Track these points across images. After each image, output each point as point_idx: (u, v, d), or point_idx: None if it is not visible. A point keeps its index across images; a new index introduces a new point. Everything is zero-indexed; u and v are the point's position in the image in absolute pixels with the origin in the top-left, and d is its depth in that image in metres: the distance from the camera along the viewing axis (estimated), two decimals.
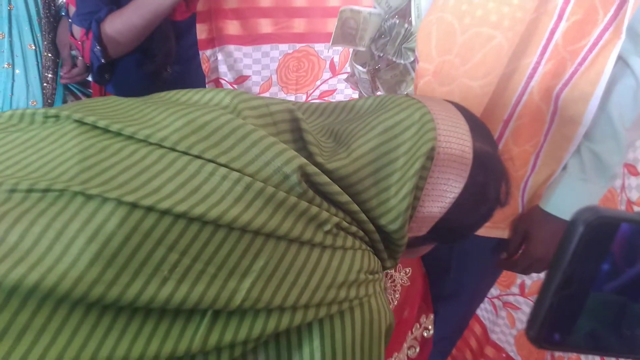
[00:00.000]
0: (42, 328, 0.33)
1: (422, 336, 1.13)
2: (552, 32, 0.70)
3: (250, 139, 0.43)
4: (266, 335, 0.39)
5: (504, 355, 1.30)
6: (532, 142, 0.78)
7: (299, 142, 0.47)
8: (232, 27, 1.20)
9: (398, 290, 1.04)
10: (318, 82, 1.33)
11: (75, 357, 0.33)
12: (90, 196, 0.36)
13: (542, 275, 1.08)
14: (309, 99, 1.35)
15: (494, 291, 1.25)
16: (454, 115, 0.53)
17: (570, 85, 0.73)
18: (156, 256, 0.36)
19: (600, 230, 0.27)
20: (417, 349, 1.11)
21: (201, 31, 1.17)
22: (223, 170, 0.41)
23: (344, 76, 1.32)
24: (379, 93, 0.96)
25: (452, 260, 1.05)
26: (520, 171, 0.81)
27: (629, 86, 0.70)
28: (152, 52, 1.06)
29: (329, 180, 0.45)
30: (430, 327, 1.14)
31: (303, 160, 0.44)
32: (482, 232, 0.88)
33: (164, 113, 0.44)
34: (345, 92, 1.36)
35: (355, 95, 1.37)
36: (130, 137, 0.42)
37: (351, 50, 0.94)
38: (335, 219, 0.45)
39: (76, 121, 0.43)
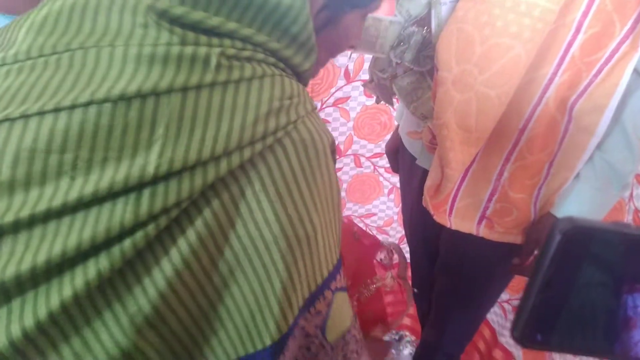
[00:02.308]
0: None
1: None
2: (570, 44, 0.72)
3: (91, 10, 0.41)
4: (197, 192, 0.38)
5: None
6: (546, 151, 0.80)
7: None
8: None
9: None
10: (333, 90, 1.35)
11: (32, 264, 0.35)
12: None
13: None
14: (324, 106, 1.37)
15: (503, 295, 1.26)
16: None
17: (585, 96, 0.75)
18: (52, 164, 0.36)
19: (577, 238, 0.29)
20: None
21: None
22: (80, 52, 0.39)
23: (358, 83, 1.34)
24: (395, 98, 0.98)
25: (463, 264, 1.06)
26: (534, 179, 0.83)
27: None
28: None
29: (187, 8, 0.40)
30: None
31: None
32: (495, 237, 0.90)
33: (15, 30, 0.43)
34: (359, 100, 1.38)
35: (369, 103, 1.39)
36: None
37: (370, 57, 0.96)
38: (217, 50, 0.41)
39: None
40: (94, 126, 0.37)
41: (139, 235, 0.37)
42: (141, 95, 0.38)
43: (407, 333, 1.77)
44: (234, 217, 0.40)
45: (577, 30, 0.71)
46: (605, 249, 0.29)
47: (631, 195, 0.91)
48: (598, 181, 0.77)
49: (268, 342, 0.43)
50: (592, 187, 0.78)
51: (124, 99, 0.37)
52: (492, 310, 1.35)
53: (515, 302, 1.24)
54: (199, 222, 0.39)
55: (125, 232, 0.36)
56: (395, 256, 1.18)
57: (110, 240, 0.36)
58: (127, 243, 0.36)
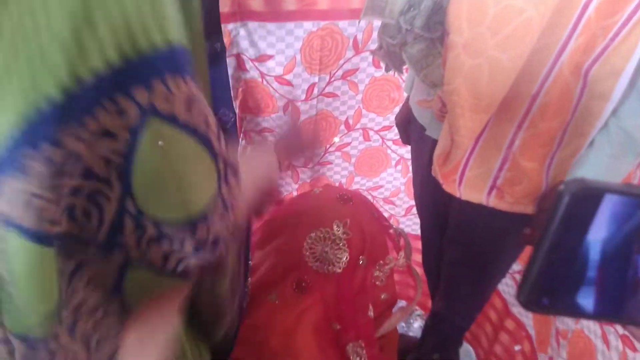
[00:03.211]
0: None
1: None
2: (585, 7, 0.70)
3: None
4: None
5: (523, 333, 1.31)
6: (560, 118, 0.78)
7: None
8: (255, 2, 1.19)
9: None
10: (341, 62, 1.32)
11: None
12: None
13: None
14: (332, 79, 1.35)
15: (515, 266, 1.26)
16: None
17: (601, 60, 0.72)
18: None
19: (586, 199, 0.28)
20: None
21: (224, 4, 1.16)
22: None
23: (367, 54, 1.32)
24: (405, 67, 0.96)
25: (473, 236, 1.05)
26: (546, 147, 0.81)
27: None
28: None
29: None
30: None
31: None
32: (504, 207, 0.89)
33: None
34: (367, 71, 1.35)
35: (378, 75, 1.37)
36: None
37: (379, 23, 0.94)
38: None
39: None
40: None
41: None
42: None
43: (417, 307, 1.79)
44: None
45: None
46: (614, 210, 0.29)
47: (639, 164, 0.90)
48: (612, 149, 0.76)
49: None
50: (606, 155, 0.76)
51: None
52: (503, 281, 1.35)
53: None
54: None
55: None
56: (402, 240, 1.18)
57: None
58: None
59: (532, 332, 1.28)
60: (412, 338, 1.63)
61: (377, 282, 1.08)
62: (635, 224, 0.29)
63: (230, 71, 1.28)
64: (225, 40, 1.20)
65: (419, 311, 1.80)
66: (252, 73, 1.31)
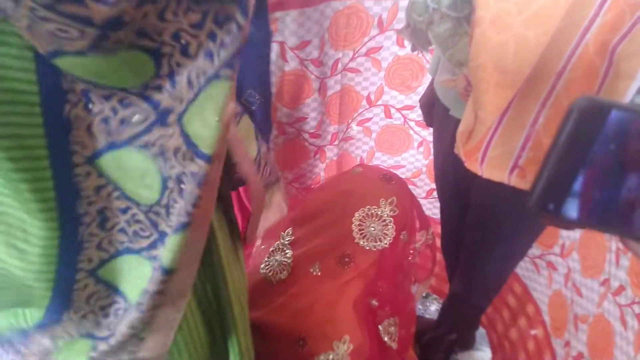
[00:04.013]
0: None
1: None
2: None
3: None
4: None
5: (540, 318, 1.32)
6: None
7: None
8: None
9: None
10: (365, 39, 1.33)
11: None
12: None
13: (577, 233, 1.10)
14: (356, 56, 1.36)
15: (535, 251, 1.27)
16: None
17: (628, 39, 0.72)
18: None
19: (593, 115, 0.31)
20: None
21: None
22: None
23: (391, 33, 1.33)
24: (431, 48, 0.97)
25: (494, 217, 1.06)
26: None
27: None
28: None
29: None
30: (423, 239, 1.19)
31: None
32: (525, 186, 0.90)
33: None
34: (391, 49, 1.36)
35: (402, 54, 1.38)
36: None
37: (405, 3, 0.95)
38: None
39: None
40: None
41: None
42: None
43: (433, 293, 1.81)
44: None
45: None
46: (620, 127, 0.31)
47: None
48: None
49: None
50: None
51: None
52: (523, 266, 1.37)
53: (548, 258, 1.24)
54: None
55: None
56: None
57: None
58: None
59: (546, 318, 1.29)
60: (429, 320, 1.65)
61: (410, 259, 1.13)
62: (637, 141, 0.31)
63: (273, 57, 1.32)
64: (273, 26, 1.23)
65: (435, 296, 1.82)
66: (292, 63, 1.34)
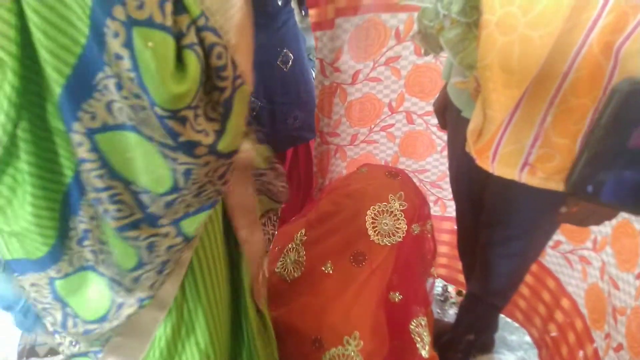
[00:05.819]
0: None
1: None
2: None
3: None
4: None
5: (577, 312, 1.33)
6: (591, 95, 0.81)
7: None
8: (330, 9, 1.31)
9: None
10: (384, 50, 1.39)
11: None
12: None
13: (608, 227, 1.11)
14: (376, 65, 1.42)
15: (566, 246, 1.29)
16: None
17: (632, 39, 0.75)
18: None
19: (635, 97, 0.31)
20: None
21: (312, 15, 1.30)
22: None
23: (409, 43, 1.37)
24: (442, 53, 1.01)
25: (509, 216, 1.09)
26: (579, 125, 0.84)
27: None
28: None
29: None
30: None
31: None
32: (536, 183, 0.92)
33: None
34: (409, 59, 1.41)
35: (420, 62, 1.42)
36: None
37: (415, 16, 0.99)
38: None
39: None
40: None
41: None
42: None
43: (453, 294, 1.82)
44: None
45: None
46: None
47: None
48: None
49: None
50: None
51: None
52: (554, 261, 1.39)
53: (580, 253, 1.26)
54: None
55: None
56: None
57: None
58: None
59: (584, 311, 1.30)
60: (447, 323, 1.66)
61: (426, 248, 1.17)
62: None
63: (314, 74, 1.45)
64: (315, 43, 1.36)
65: (454, 299, 1.83)
66: (331, 78, 1.45)
